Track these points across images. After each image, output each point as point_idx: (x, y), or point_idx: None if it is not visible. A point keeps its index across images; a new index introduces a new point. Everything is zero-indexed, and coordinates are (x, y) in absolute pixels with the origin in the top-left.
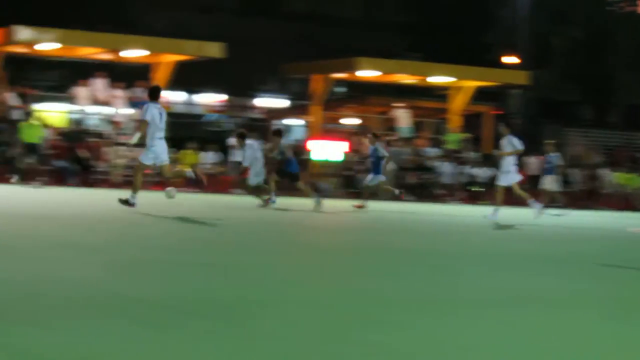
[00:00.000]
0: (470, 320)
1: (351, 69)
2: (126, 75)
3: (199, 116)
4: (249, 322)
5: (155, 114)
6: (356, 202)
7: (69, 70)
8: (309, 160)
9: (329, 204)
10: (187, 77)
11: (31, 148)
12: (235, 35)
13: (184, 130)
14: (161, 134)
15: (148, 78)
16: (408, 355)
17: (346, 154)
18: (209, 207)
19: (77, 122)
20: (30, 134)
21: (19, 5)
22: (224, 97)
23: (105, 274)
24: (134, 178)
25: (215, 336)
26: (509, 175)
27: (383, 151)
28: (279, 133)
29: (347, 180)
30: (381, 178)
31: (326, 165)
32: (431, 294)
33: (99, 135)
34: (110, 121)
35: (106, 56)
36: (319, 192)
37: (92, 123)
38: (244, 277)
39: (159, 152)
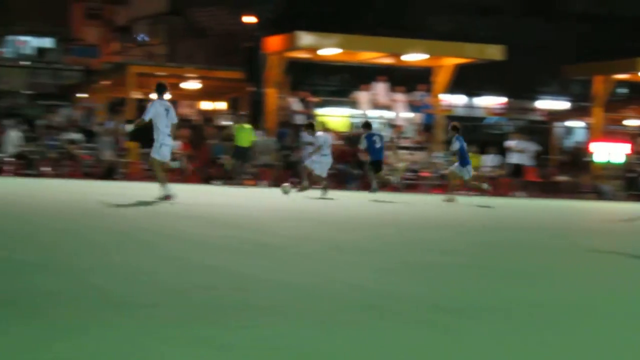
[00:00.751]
0: None
1: (633, 69)
2: (407, 79)
3: (479, 119)
4: (530, 326)
5: (160, 111)
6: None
7: (350, 75)
8: (590, 162)
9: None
10: (467, 80)
11: (242, 151)
12: (515, 37)
13: (464, 133)
14: (168, 129)
15: (429, 82)
16: None
17: (628, 155)
18: (491, 210)
19: (359, 126)
20: (242, 138)
21: (300, 11)
22: (504, 99)
23: (379, 277)
24: (155, 173)
25: (502, 339)
26: None
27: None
28: (368, 126)
29: (629, 182)
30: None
31: (608, 167)
32: None
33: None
34: (391, 125)
35: (387, 60)
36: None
37: (374, 127)
38: (522, 280)
39: (170, 147)
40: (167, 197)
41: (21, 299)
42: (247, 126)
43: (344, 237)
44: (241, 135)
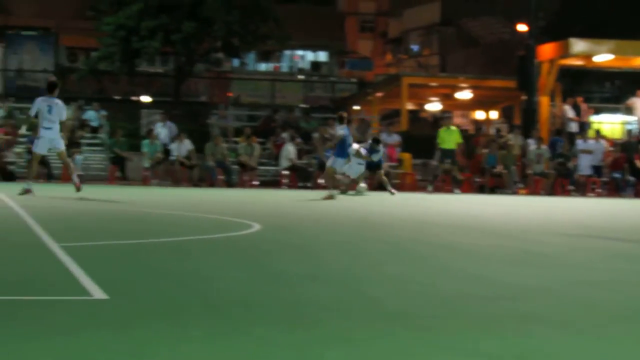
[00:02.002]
0: None
1: None
2: None
3: None
4: None
5: (42, 107)
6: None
7: (624, 81)
8: None
9: None
10: None
11: (447, 153)
12: None
13: None
14: (49, 124)
15: None
16: None
17: None
18: None
19: (633, 132)
20: (447, 140)
21: (572, 18)
22: None
23: None
24: (29, 168)
25: None
26: None
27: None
28: (377, 141)
29: None
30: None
31: None
32: None
33: None
34: None
35: None
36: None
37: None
38: None
39: (48, 140)
40: (26, 191)
41: (296, 309)
42: (454, 128)
43: (621, 246)
44: (447, 137)
